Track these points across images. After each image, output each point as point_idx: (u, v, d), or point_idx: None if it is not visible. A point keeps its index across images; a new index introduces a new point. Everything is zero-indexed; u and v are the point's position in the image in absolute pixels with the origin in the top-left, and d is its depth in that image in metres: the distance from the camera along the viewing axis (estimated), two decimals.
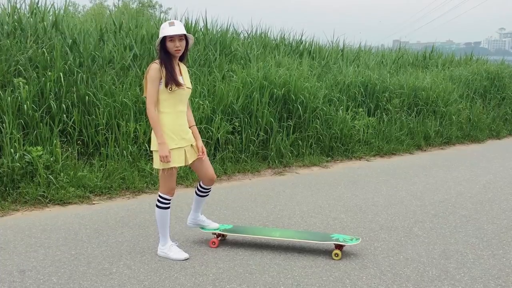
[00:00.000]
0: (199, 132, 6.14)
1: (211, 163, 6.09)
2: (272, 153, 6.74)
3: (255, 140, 6.69)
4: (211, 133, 6.27)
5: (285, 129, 7.07)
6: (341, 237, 3.65)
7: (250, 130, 6.69)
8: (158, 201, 3.42)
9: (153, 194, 5.15)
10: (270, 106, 7.02)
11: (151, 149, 3.44)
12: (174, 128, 3.33)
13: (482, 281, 3.18)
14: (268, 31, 10.33)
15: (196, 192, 3.70)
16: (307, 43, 10.90)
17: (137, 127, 5.82)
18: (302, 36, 10.86)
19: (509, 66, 13.43)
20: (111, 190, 5.13)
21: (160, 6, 28.17)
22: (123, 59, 6.70)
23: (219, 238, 3.76)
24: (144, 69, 6.74)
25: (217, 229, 3.75)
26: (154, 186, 5.36)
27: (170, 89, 3.27)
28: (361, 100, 8.70)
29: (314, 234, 3.83)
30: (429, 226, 4.33)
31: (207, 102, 6.48)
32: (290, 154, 6.91)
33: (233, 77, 7.30)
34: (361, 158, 7.58)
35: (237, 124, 6.58)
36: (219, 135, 6.28)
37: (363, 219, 4.46)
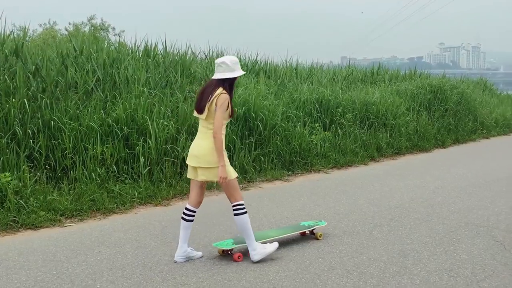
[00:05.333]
0: (165, 152, 6.37)
1: (179, 181, 6.30)
2: (236, 170, 6.98)
3: None
4: (176, 153, 6.46)
5: (247, 146, 7.36)
6: (308, 223, 4.48)
7: None
8: (238, 209, 3.73)
9: (123, 214, 5.28)
10: (232, 124, 7.30)
11: (212, 166, 3.67)
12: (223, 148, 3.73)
13: (437, 274, 3.56)
14: (224, 52, 10.68)
15: (183, 217, 3.87)
16: (262, 63, 11.34)
17: (104, 149, 5.94)
18: (257, 56, 11.30)
19: (450, 79, 14.42)
20: (82, 212, 5.21)
21: (113, 29, 28.03)
22: (86, 83, 6.80)
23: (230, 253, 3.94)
24: (108, 93, 6.89)
25: (226, 245, 3.94)
26: (124, 206, 5.48)
27: (231, 116, 3.81)
28: (317, 115, 9.15)
29: (291, 228, 4.52)
30: (387, 229, 4.71)
31: (172, 122, 6.68)
32: (253, 170, 7.19)
33: (195, 97, 7.54)
34: (320, 170, 7.96)
35: None
36: (184, 154, 6.48)
37: (327, 226, 4.78)
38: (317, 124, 8.84)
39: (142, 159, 6.13)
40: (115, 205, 5.47)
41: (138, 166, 6.12)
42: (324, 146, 8.43)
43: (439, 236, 4.46)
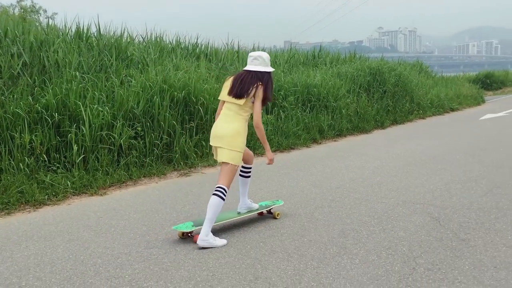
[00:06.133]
0: (100, 139, 6.07)
1: (117, 169, 6.04)
2: (177, 155, 6.81)
3: (159, 144, 6.71)
4: (113, 139, 6.18)
5: (188, 131, 7.17)
6: (265, 203, 4.65)
7: (153, 134, 6.70)
8: (220, 192, 3.84)
9: (55, 206, 4.98)
10: (171, 109, 7.08)
11: (232, 149, 3.90)
12: None
13: (375, 252, 3.59)
14: (163, 35, 10.35)
15: (240, 174, 4.34)
16: (203, 46, 11.10)
17: (33, 138, 5.57)
18: (197, 39, 11.03)
19: (387, 62, 14.80)
20: (9, 205, 4.86)
21: (45, 11, 26.50)
22: (11, 68, 6.34)
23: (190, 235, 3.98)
24: (36, 77, 6.46)
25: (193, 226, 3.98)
26: (56, 197, 5.18)
27: (263, 105, 4.04)
28: None
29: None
30: (327, 210, 4.73)
31: (107, 108, 6.37)
32: (194, 155, 7.03)
33: (131, 82, 7.24)
34: (263, 154, 7.92)
35: (139, 128, 6.55)
36: (121, 141, 6.21)
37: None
38: None
39: (75, 147, 5.81)
40: (46, 196, 5.15)
41: (71, 155, 5.80)
42: (267, 130, 8.38)
43: (377, 215, 4.53)
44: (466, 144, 8.67)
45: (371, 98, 11.88)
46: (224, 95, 4.06)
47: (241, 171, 4.33)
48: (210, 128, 7.61)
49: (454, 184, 5.69)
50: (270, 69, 4.05)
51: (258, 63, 4.00)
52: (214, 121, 7.50)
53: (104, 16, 9.63)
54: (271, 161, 4.17)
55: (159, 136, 6.78)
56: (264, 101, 3.99)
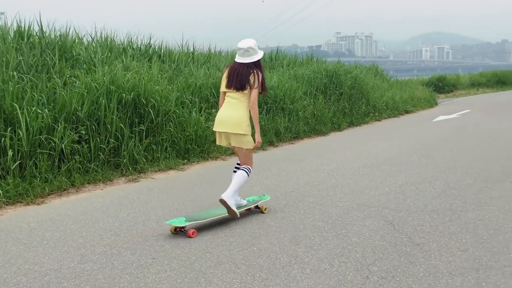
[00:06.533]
0: (39, 143, 5.65)
1: (57, 176, 5.64)
2: (125, 160, 6.45)
3: (105, 148, 6.33)
4: (53, 144, 5.76)
5: (137, 134, 6.82)
6: (252, 198, 4.82)
7: (99, 138, 6.31)
8: (249, 170, 4.41)
9: None
10: (119, 112, 6.72)
11: (239, 132, 4.30)
12: None
13: (328, 260, 3.41)
14: (113, 35, 9.91)
15: (234, 170, 4.54)
16: (157, 47, 10.73)
17: None
18: (150, 39, 10.64)
19: (344, 65, 14.86)
20: None
21: None
22: None
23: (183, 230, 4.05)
24: None
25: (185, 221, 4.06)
26: None
27: (261, 92, 4.45)
28: (214, 101, 8.82)
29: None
30: (280, 215, 4.52)
31: (47, 110, 5.94)
32: (144, 160, 6.69)
33: (76, 82, 6.82)
34: (217, 158, 7.67)
35: (83, 132, 6.15)
36: (63, 145, 5.80)
37: (219, 216, 4.48)
38: (214, 110, 8.51)
39: (10, 152, 5.36)
40: None
41: (5, 161, 5.35)
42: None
43: (331, 220, 4.37)
44: (420, 146, 8.71)
45: (328, 100, 11.84)
46: (224, 87, 4.42)
47: (235, 167, 4.58)
48: (162, 131, 7.37)
49: (409, 186, 5.62)
50: (261, 53, 4.41)
51: (250, 54, 4.33)
52: (165, 124, 7.31)
53: (59, 15, 9.08)
54: (259, 143, 4.46)
55: (105, 140, 6.40)
56: (263, 85, 4.38)
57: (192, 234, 3.93)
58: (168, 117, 7.36)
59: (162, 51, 10.70)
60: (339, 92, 12.28)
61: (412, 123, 13.14)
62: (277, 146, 9.04)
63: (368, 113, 13.24)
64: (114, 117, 6.52)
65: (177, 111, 7.53)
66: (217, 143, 4.51)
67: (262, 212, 4.62)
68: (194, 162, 7.33)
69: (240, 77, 4.29)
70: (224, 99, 4.44)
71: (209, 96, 8.73)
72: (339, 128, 11.29)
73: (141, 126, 6.92)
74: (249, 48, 4.31)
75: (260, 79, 4.32)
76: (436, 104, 19.58)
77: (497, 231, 4.00)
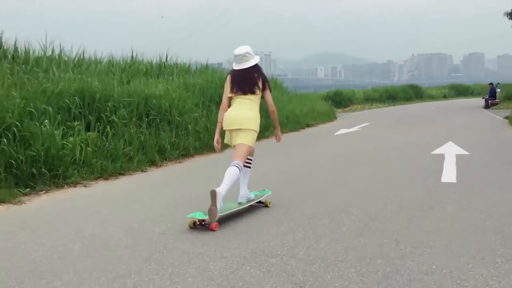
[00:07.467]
0: None
1: None
2: None
3: None
4: None
5: None
6: (255, 193, 4.72)
7: None
8: (235, 165, 4.25)
9: None
10: None
11: (251, 128, 4.39)
12: None
13: None
14: None
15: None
16: (11, 46, 8.67)
17: None
18: (1, 36, 8.55)
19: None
20: None
21: None
22: None
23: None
24: None
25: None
26: None
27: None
28: (78, 112, 7.02)
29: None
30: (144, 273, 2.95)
31: None
32: None
33: None
34: (77, 184, 5.89)
35: None
36: None
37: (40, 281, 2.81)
38: (77, 123, 6.72)
39: None
40: None
41: None
42: (85, 151, 6.36)
43: (212, 284, 2.89)
44: (326, 162, 7.64)
45: None
46: (230, 92, 4.43)
47: (237, 164, 4.37)
48: None
49: (320, 218, 4.23)
50: (258, 57, 4.51)
51: (248, 59, 4.40)
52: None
53: None
54: (280, 139, 4.87)
55: None
56: (268, 84, 4.53)
57: (215, 227, 3.86)
58: (4, 131, 5.46)
59: (20, 51, 8.71)
60: None
61: (315, 137, 12.31)
62: (160, 166, 7.43)
63: (268, 127, 12.12)
64: None
65: (18, 124, 5.65)
66: (226, 141, 4.53)
67: (267, 206, 4.63)
68: (42, 191, 5.47)
69: (246, 82, 4.40)
70: (229, 103, 4.48)
71: (71, 106, 6.91)
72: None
73: None
74: (246, 53, 4.40)
75: (268, 84, 4.52)
76: (336, 118, 19.27)
77: None
